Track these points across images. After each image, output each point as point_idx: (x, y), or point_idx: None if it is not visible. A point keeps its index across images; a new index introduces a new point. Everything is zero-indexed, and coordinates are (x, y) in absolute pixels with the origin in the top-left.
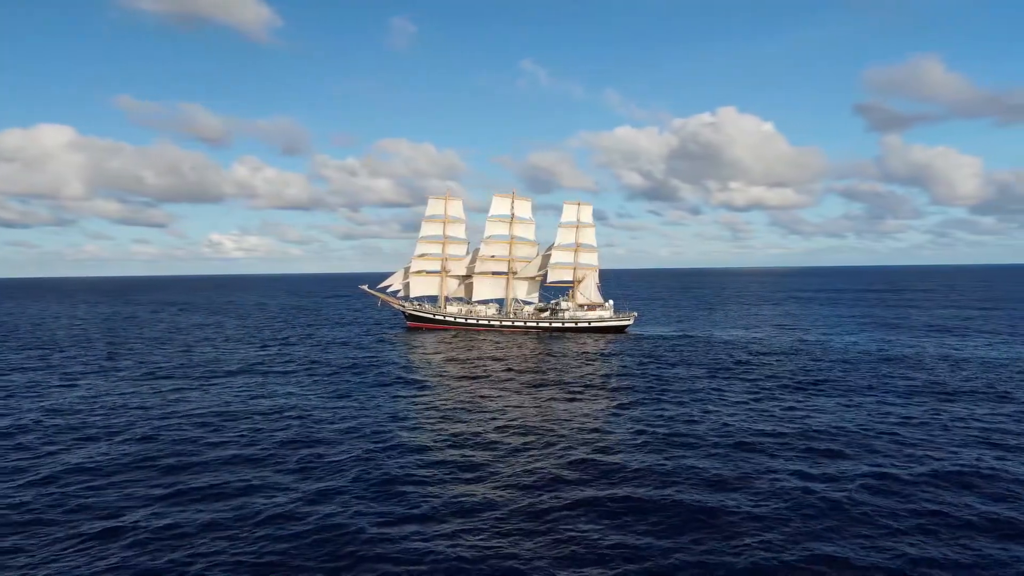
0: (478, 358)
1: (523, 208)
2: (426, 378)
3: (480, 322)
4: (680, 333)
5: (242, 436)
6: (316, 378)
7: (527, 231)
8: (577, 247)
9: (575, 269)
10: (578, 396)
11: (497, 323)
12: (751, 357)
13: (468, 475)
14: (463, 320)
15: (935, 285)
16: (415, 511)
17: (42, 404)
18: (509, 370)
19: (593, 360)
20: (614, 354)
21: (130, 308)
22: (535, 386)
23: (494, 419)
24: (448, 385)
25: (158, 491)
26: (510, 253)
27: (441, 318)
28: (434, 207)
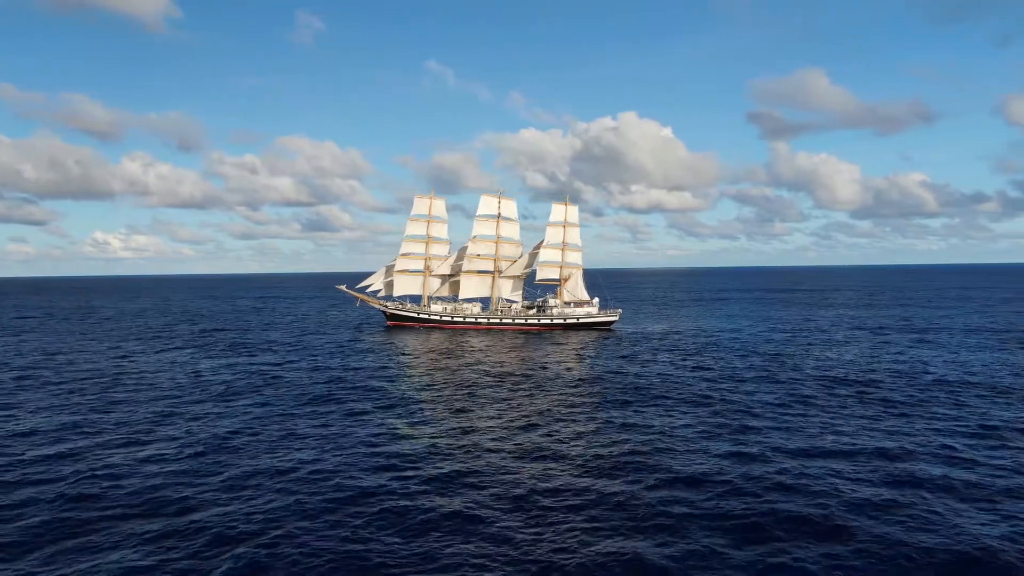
0: (477, 357)
1: (509, 208)
2: (425, 378)
3: (467, 320)
4: (668, 329)
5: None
6: (312, 377)
7: (512, 231)
8: (564, 246)
9: (561, 267)
10: (577, 393)
11: (485, 321)
12: (723, 353)
13: (470, 479)
14: (449, 318)
15: (842, 285)
16: (407, 520)
17: None
18: (505, 370)
19: (586, 358)
20: (606, 352)
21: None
22: (532, 387)
23: (497, 421)
24: (451, 385)
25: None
26: (496, 252)
27: (426, 317)
28: (419, 206)
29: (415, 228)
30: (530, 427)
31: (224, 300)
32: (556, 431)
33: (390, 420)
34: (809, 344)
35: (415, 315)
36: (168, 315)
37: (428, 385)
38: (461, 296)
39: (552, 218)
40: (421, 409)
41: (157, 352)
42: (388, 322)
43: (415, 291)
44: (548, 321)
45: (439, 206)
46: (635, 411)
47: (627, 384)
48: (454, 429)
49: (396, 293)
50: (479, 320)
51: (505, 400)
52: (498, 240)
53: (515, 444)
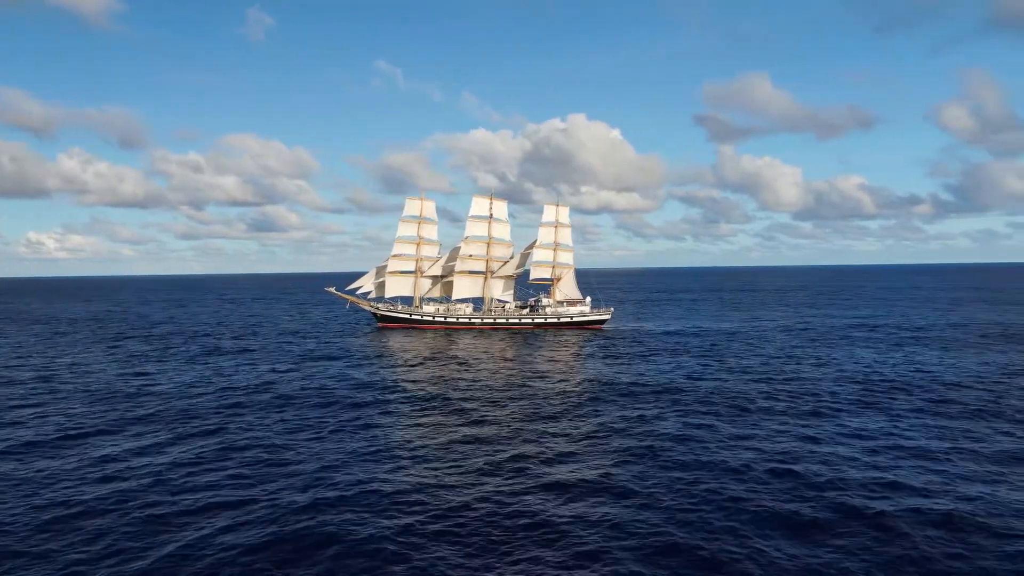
0: (478, 358)
1: (500, 209)
2: (428, 380)
3: (461, 320)
4: (656, 328)
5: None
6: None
7: (504, 231)
8: (556, 246)
9: (553, 267)
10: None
11: (478, 321)
12: (714, 346)
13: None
14: (442, 319)
15: (788, 284)
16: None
17: None
18: (506, 370)
19: (585, 355)
20: (603, 349)
21: None
22: (535, 386)
23: (501, 422)
24: (461, 385)
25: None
26: (488, 252)
27: (418, 318)
28: (410, 207)
29: (406, 229)
30: (539, 420)
31: (190, 303)
32: (560, 427)
33: (392, 423)
34: (814, 342)
35: (407, 316)
36: (127, 322)
37: (437, 386)
38: (454, 296)
39: (544, 218)
40: (424, 411)
41: (120, 360)
42: (379, 323)
43: (406, 292)
44: (542, 320)
45: (429, 207)
46: (635, 409)
47: (626, 379)
48: (468, 432)
49: (388, 294)
50: (473, 320)
51: (509, 399)
52: (490, 241)
53: (524, 441)
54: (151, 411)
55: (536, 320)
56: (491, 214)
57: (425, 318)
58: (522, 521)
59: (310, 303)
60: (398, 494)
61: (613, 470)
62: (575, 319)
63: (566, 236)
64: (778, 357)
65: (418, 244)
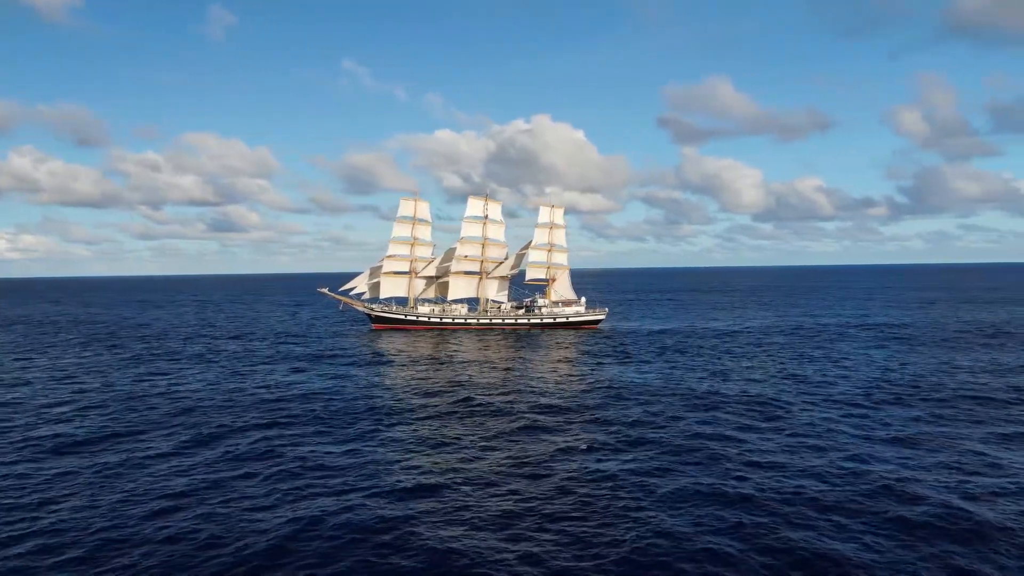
0: (478, 358)
1: (494, 210)
2: (433, 383)
3: (456, 321)
4: (651, 327)
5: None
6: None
7: (498, 232)
8: (551, 247)
9: (548, 268)
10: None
11: (474, 322)
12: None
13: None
14: (437, 320)
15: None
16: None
17: None
18: (509, 370)
19: (584, 353)
20: (600, 347)
21: None
22: (540, 385)
23: (508, 423)
24: (467, 387)
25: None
26: (483, 253)
27: (413, 318)
28: (404, 208)
29: (401, 230)
30: (541, 421)
31: (167, 305)
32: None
33: (401, 426)
34: (815, 339)
35: (402, 317)
36: (113, 324)
37: (442, 387)
38: (450, 297)
39: (539, 220)
40: (430, 414)
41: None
42: (373, 325)
43: (400, 293)
44: (538, 320)
45: (423, 208)
46: (635, 409)
47: (627, 378)
48: (471, 435)
49: (382, 295)
50: (469, 321)
51: (511, 400)
52: (485, 241)
53: (531, 438)
54: (171, 418)
55: (532, 320)
56: (486, 215)
57: (421, 319)
58: (527, 522)
59: (286, 304)
60: (399, 496)
61: (622, 469)
62: (571, 319)
63: (561, 237)
64: (774, 355)
65: (412, 245)
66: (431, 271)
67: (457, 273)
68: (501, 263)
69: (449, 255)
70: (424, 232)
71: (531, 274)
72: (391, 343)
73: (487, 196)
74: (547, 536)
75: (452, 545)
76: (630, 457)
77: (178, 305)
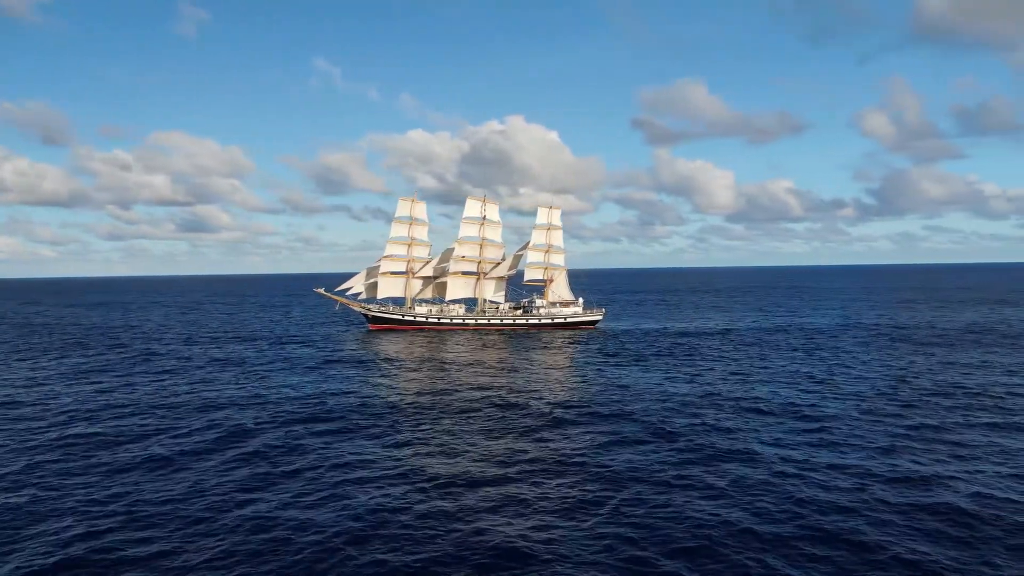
0: (478, 359)
1: (492, 211)
2: (428, 381)
3: (454, 322)
4: (644, 327)
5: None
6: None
7: (495, 233)
8: (548, 248)
9: (546, 268)
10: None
11: (472, 322)
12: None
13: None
14: (435, 320)
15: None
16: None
17: None
18: (510, 369)
19: (583, 352)
20: (599, 347)
21: None
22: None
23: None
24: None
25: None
26: (480, 254)
27: (411, 319)
28: (402, 208)
29: (398, 230)
30: (543, 422)
31: (150, 308)
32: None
33: (402, 429)
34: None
35: (400, 317)
36: (96, 328)
37: (445, 388)
38: (448, 297)
39: (537, 221)
40: (428, 415)
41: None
42: (370, 325)
43: (397, 293)
44: (537, 321)
45: (420, 209)
46: (635, 407)
47: (628, 379)
48: (482, 437)
49: (380, 295)
50: (467, 321)
51: (513, 400)
52: (482, 242)
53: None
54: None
55: (531, 321)
56: (484, 215)
57: (418, 319)
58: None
59: (277, 305)
60: (405, 495)
61: (621, 469)
62: (569, 320)
63: (558, 238)
64: (781, 354)
65: (409, 245)
66: (428, 271)
67: (455, 273)
68: (499, 264)
69: (446, 255)
70: (421, 232)
71: (529, 275)
72: (389, 344)
73: (485, 197)
74: (556, 532)
75: (461, 542)
76: (631, 456)
77: (159, 308)
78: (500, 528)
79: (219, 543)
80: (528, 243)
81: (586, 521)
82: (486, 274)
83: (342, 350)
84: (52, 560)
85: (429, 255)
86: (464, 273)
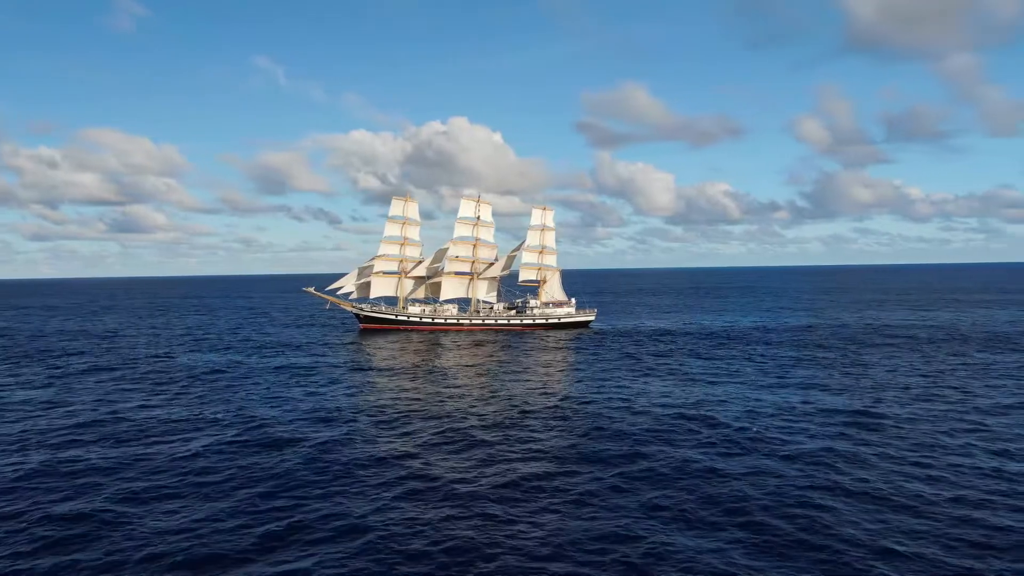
0: (477, 359)
1: (486, 212)
2: (429, 382)
3: (448, 322)
4: (636, 327)
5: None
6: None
7: (488, 234)
8: (542, 249)
9: (539, 269)
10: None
11: (466, 322)
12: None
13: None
14: (429, 320)
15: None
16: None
17: None
18: (512, 369)
19: (578, 351)
20: (593, 346)
21: None
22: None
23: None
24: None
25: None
26: (474, 254)
27: (404, 319)
28: (395, 208)
29: (392, 229)
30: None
31: (103, 313)
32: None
33: (401, 432)
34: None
35: (392, 317)
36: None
37: (447, 388)
38: (442, 297)
39: (532, 222)
40: (428, 416)
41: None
42: (362, 325)
43: (390, 293)
44: (530, 321)
45: (412, 208)
46: (633, 406)
47: (626, 380)
48: (476, 442)
49: (372, 295)
50: (461, 321)
51: (513, 400)
52: (476, 242)
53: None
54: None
55: (524, 321)
56: (478, 216)
57: (412, 319)
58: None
59: (246, 309)
60: (396, 498)
61: (623, 469)
62: (562, 320)
63: (551, 239)
64: (771, 355)
65: (402, 245)
66: (421, 271)
67: (448, 274)
68: (492, 264)
69: (439, 255)
70: (414, 232)
71: (523, 275)
72: (383, 344)
73: (479, 198)
74: (552, 531)
75: (455, 547)
76: (629, 456)
77: (110, 313)
78: (495, 529)
79: (204, 547)
80: (522, 244)
81: (583, 520)
82: (480, 274)
83: (332, 350)
84: None
85: (421, 255)
86: (458, 273)
